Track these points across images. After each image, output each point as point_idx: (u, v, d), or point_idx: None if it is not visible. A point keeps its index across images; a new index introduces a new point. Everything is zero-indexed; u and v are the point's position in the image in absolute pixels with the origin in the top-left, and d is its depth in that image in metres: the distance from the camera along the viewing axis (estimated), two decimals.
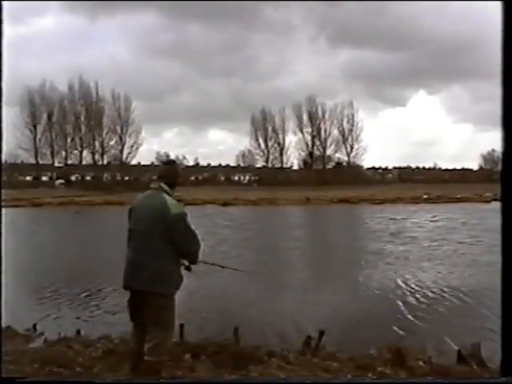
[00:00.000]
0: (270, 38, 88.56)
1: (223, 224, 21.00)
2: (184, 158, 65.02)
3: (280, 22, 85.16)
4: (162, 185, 3.23)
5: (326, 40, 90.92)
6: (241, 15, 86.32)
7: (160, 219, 3.10)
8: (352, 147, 66.14)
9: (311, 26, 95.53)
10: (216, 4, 65.70)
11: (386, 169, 74.05)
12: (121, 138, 62.65)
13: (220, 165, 71.79)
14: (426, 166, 73.42)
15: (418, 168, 73.11)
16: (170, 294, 3.17)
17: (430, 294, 7.65)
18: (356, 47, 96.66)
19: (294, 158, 68.02)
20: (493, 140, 71.11)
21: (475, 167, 70.98)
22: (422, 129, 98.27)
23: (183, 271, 3.29)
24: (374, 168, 72.21)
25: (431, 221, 21.33)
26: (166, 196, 3.18)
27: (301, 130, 66.18)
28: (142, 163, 64.44)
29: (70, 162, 63.19)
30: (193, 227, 3.20)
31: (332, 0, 68.40)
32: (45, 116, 61.61)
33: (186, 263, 3.31)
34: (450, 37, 76.10)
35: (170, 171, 3.33)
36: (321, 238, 17.32)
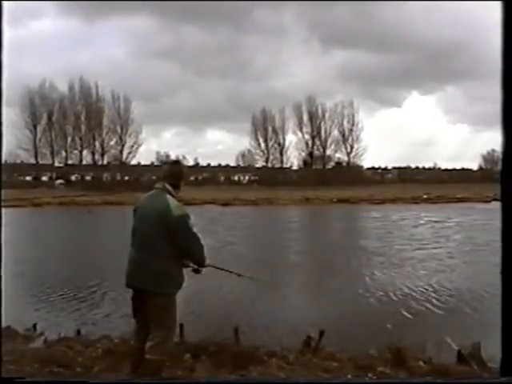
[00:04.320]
0: (263, 39, 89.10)
1: (222, 224, 21.02)
2: (184, 157, 65.01)
3: (272, 24, 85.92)
4: (166, 185, 3.22)
5: (319, 42, 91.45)
6: (233, 18, 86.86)
7: (162, 220, 3.10)
8: (352, 147, 66.31)
9: (303, 28, 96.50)
10: (208, 7, 65.87)
11: (385, 169, 74.08)
12: (121, 138, 62.83)
13: (220, 165, 71.84)
14: (426, 166, 73.61)
15: (417, 168, 73.16)
16: (170, 293, 3.17)
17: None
18: (348, 49, 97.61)
19: (294, 158, 68.21)
20: (489, 140, 71.37)
21: (475, 167, 71.16)
22: (419, 129, 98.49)
23: (190, 273, 3.29)
24: (373, 168, 72.27)
25: (404, 218, 22.88)
26: (169, 197, 3.17)
27: (301, 130, 66.39)
28: (142, 163, 64.63)
29: (70, 162, 63.27)
30: (195, 229, 3.19)
31: (324, 0, 68.33)
32: (45, 116, 61.74)
33: (194, 266, 3.28)
34: (442, 38, 76.47)
35: (174, 171, 3.32)
36: (315, 237, 18.02)
